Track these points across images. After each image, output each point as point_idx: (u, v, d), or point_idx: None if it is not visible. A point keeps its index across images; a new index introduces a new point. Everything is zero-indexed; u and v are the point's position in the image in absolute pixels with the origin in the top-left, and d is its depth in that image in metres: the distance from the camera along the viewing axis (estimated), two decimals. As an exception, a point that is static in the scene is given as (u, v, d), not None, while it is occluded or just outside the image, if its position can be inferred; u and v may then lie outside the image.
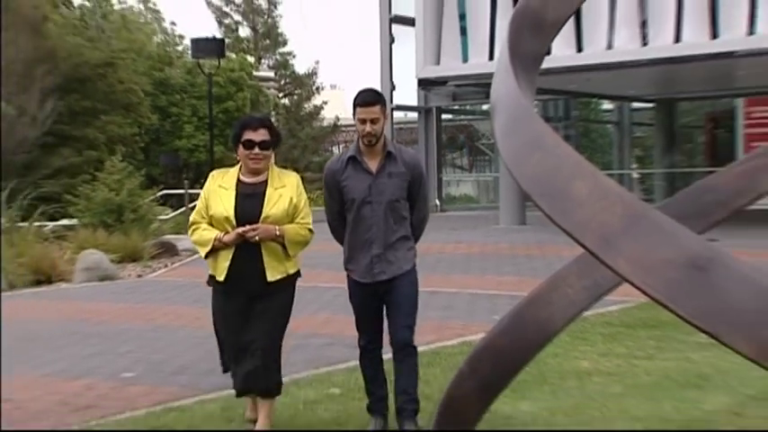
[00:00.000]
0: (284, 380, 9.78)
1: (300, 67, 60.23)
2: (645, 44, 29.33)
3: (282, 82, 57.40)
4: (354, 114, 7.04)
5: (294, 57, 60.53)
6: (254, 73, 49.63)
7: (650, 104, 40.40)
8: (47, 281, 19.63)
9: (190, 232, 7.30)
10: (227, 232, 6.68)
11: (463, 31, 32.77)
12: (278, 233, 6.72)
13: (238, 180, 6.88)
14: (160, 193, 33.33)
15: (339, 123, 57.57)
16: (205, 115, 34.42)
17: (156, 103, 42.46)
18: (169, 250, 24.44)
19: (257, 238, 6.58)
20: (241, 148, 6.81)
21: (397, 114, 38.25)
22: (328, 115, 59.00)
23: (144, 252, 23.59)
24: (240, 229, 6.57)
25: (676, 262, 3.23)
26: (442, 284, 16.95)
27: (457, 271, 19.04)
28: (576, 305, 5.61)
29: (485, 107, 32.48)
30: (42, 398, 9.57)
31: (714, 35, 28.18)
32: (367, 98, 6.83)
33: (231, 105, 42.16)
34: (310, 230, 7.10)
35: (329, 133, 59.18)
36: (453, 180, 44.37)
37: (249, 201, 6.78)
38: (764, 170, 6.07)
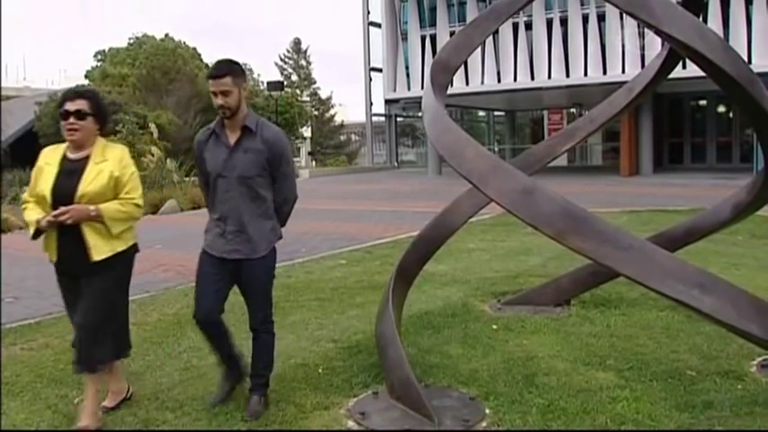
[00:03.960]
0: (315, 257, 9.81)
1: (324, 94, 59.96)
2: (499, 82, 29.39)
3: (314, 103, 56.88)
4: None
5: (320, 89, 60.33)
6: (299, 99, 49.18)
7: (503, 113, 40.23)
8: (198, 207, 19.59)
9: (22, 211, 4.12)
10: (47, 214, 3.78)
11: (407, 74, 32.66)
12: (93, 213, 3.70)
13: (64, 156, 3.89)
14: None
15: (343, 124, 58.22)
16: (273, 122, 34.28)
17: (250, 115, 42.30)
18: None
19: (70, 221, 3.65)
20: (62, 121, 3.89)
21: (375, 119, 38.16)
22: (338, 119, 58.93)
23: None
24: (51, 215, 3.68)
25: (517, 189, 3.23)
26: (399, 207, 16.92)
27: (407, 200, 18.98)
28: (467, 215, 5.61)
29: (419, 114, 32.33)
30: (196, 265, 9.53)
31: (532, 78, 28.46)
32: (216, 71, 3.92)
33: (287, 116, 41.84)
34: (137, 205, 3.91)
35: (338, 128, 59.03)
36: (404, 152, 44.05)
37: (68, 178, 3.80)
38: (559, 144, 6.07)
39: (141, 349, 5.28)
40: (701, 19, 4.25)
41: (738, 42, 24.02)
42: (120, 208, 3.85)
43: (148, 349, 5.28)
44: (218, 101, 3.87)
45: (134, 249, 4.07)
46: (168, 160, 24.58)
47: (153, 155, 23.89)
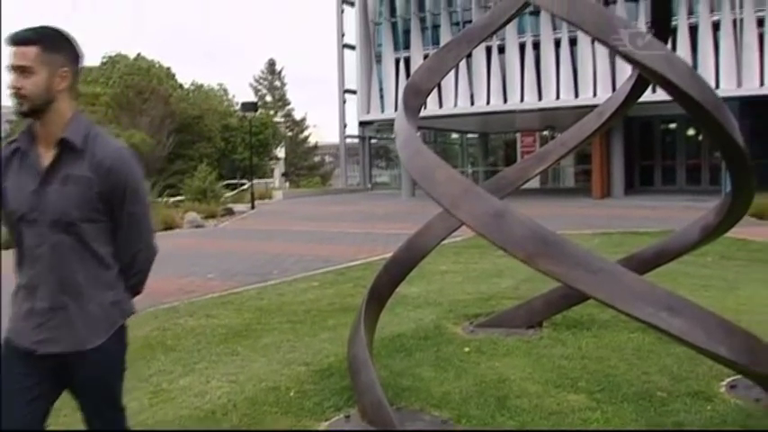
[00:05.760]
0: (288, 279, 9.77)
1: (298, 115, 60.15)
2: (472, 105, 29.60)
3: (288, 124, 56.97)
4: None
5: (294, 110, 60.50)
6: (273, 119, 49.20)
7: (476, 135, 40.48)
8: (170, 228, 19.54)
9: None
10: None
11: (381, 96, 32.69)
12: None
13: None
14: (225, 182, 33.28)
15: (317, 145, 58.49)
16: (248, 142, 34.05)
17: (223, 135, 42.13)
18: (230, 212, 24.29)
19: None
20: None
21: (349, 140, 38.33)
22: (312, 141, 59.13)
23: (217, 213, 23.46)
24: None
25: (488, 212, 3.25)
26: (372, 228, 16.92)
27: (381, 221, 19.00)
28: (439, 237, 5.62)
29: (393, 136, 32.46)
30: (167, 287, 9.40)
31: (505, 101, 28.69)
32: (17, 34, 2.27)
33: (261, 137, 41.80)
34: None
35: (312, 149, 59.22)
36: (378, 174, 44.09)
37: None
38: (531, 167, 6.12)
39: (110, 373, 5.21)
40: (670, 44, 4.33)
41: (706, 67, 24.51)
42: None
43: (117, 373, 5.21)
44: (13, 82, 2.33)
45: None
46: (140, 180, 24.79)
47: (125, 175, 24.11)
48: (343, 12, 37.06)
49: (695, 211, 7.06)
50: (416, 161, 3.72)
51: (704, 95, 3.46)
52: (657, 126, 31.39)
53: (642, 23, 23.07)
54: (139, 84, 40.39)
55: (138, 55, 47.03)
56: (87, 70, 47.26)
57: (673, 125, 31.17)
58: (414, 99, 4.38)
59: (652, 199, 24.38)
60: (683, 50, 24.84)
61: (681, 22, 25.11)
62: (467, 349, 5.49)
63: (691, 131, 30.46)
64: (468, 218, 3.29)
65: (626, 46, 3.37)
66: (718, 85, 24.11)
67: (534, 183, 27.48)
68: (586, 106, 22.63)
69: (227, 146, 42.51)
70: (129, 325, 2.41)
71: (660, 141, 32.42)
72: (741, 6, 24.64)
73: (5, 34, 2.29)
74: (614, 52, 3.52)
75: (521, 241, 3.12)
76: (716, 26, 25.30)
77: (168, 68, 47.80)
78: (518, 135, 38.44)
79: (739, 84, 24.36)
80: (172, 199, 26.62)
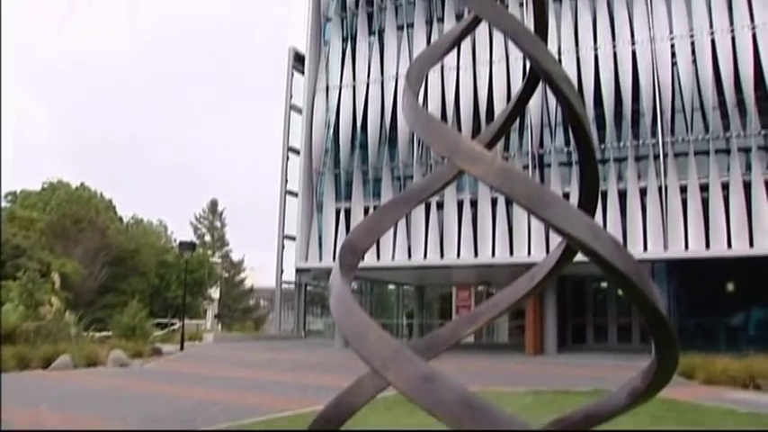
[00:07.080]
0: (212, 428, 9.34)
1: (236, 257, 59.80)
2: (410, 258, 29.93)
3: (225, 265, 56.59)
4: None
5: (232, 251, 60.14)
6: (211, 259, 48.94)
7: (412, 287, 40.75)
8: (94, 365, 18.92)
9: None
10: None
11: (320, 244, 32.78)
12: None
13: None
14: (155, 320, 32.55)
15: (253, 288, 57.94)
16: (182, 279, 33.59)
17: (158, 271, 41.57)
18: (158, 352, 23.60)
19: None
20: None
21: (285, 286, 38.21)
22: (248, 284, 58.54)
23: (145, 352, 22.73)
24: None
25: (417, 376, 3.25)
26: (303, 378, 16.58)
27: (312, 371, 18.70)
28: (370, 394, 5.52)
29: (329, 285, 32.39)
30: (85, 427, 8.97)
31: (441, 256, 29.06)
32: None
33: (197, 275, 41.39)
34: None
35: (247, 292, 58.55)
36: (312, 321, 43.62)
37: None
38: (464, 326, 6.16)
39: None
40: (600, 208, 4.54)
41: (635, 230, 25.60)
42: None
43: None
44: None
45: None
46: (67, 312, 23.99)
47: (52, 305, 23.27)
48: (288, 159, 37.98)
49: (627, 371, 7.13)
50: (348, 319, 3.73)
51: (627, 266, 3.60)
52: (589, 284, 32.25)
53: (575, 187, 24.19)
54: (77, 213, 40.08)
55: (82, 184, 46.95)
56: (26, 195, 46.84)
57: (604, 284, 32.07)
58: (350, 257, 4.44)
59: (584, 357, 24.62)
60: (613, 214, 25.98)
61: (611, 187, 26.33)
62: None
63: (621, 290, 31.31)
64: (396, 380, 3.27)
65: (555, 218, 3.54)
66: (646, 248, 25.14)
67: (469, 337, 27.55)
68: (521, 264, 23.18)
69: (161, 282, 41.91)
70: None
71: (592, 299, 33.21)
72: (665, 174, 26.08)
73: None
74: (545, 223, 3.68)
75: (449, 406, 3.11)
76: (643, 192, 26.59)
77: (110, 200, 47.73)
78: (454, 289, 38.85)
79: (665, 247, 25.36)
80: (98, 334, 25.85)
